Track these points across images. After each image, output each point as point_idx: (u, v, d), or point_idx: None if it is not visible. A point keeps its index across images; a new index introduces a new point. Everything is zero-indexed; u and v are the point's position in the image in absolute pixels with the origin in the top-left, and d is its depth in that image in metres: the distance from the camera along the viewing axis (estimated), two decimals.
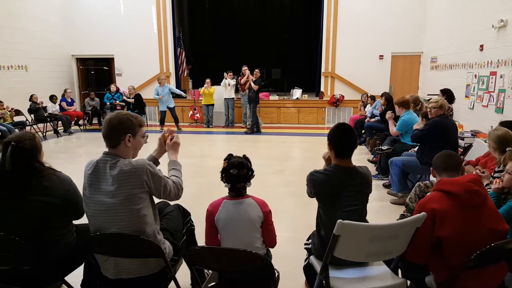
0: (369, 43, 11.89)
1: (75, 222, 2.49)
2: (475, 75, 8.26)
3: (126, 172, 2.00)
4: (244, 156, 2.30)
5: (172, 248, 2.27)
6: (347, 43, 12.01)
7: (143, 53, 12.90)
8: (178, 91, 11.21)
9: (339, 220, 1.83)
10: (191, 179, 5.75)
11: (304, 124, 11.48)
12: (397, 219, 3.91)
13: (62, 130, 9.89)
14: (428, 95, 9.89)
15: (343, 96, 11.39)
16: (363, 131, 8.64)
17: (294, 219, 4.38)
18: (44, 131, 9.54)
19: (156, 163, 2.51)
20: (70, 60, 13.27)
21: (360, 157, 7.57)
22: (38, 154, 2.24)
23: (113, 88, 10.70)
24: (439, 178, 2.25)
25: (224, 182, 2.23)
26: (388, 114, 5.52)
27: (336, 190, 2.22)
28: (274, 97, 11.69)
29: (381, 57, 12.00)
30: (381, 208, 4.67)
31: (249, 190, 2.29)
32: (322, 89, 12.45)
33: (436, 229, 2.05)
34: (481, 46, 7.99)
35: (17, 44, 10.66)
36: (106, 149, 2.15)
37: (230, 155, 2.30)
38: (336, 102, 11.19)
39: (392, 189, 4.90)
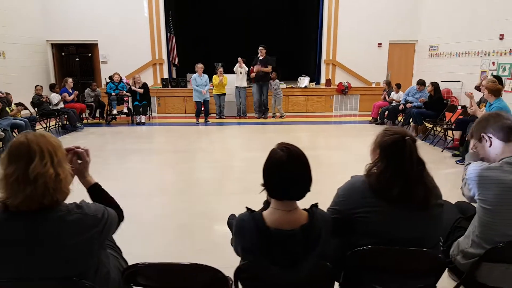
0: (368, 31, 12.11)
1: None
2: (493, 62, 8.82)
3: None
4: None
5: None
6: (347, 30, 12.12)
7: (133, 39, 11.83)
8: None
9: None
10: None
11: (313, 112, 11.41)
12: None
13: (68, 124, 8.75)
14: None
15: (350, 84, 11.51)
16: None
17: None
18: (48, 126, 8.38)
19: None
20: (45, 46, 11.77)
21: None
22: None
23: (116, 77, 9.67)
24: None
25: None
26: (469, 93, 5.85)
27: None
28: (282, 85, 11.41)
29: (379, 45, 12.31)
30: None
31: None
32: (322, 76, 12.49)
33: None
34: (501, 35, 8.54)
35: None
36: None
37: None
38: (345, 90, 11.28)
39: None
